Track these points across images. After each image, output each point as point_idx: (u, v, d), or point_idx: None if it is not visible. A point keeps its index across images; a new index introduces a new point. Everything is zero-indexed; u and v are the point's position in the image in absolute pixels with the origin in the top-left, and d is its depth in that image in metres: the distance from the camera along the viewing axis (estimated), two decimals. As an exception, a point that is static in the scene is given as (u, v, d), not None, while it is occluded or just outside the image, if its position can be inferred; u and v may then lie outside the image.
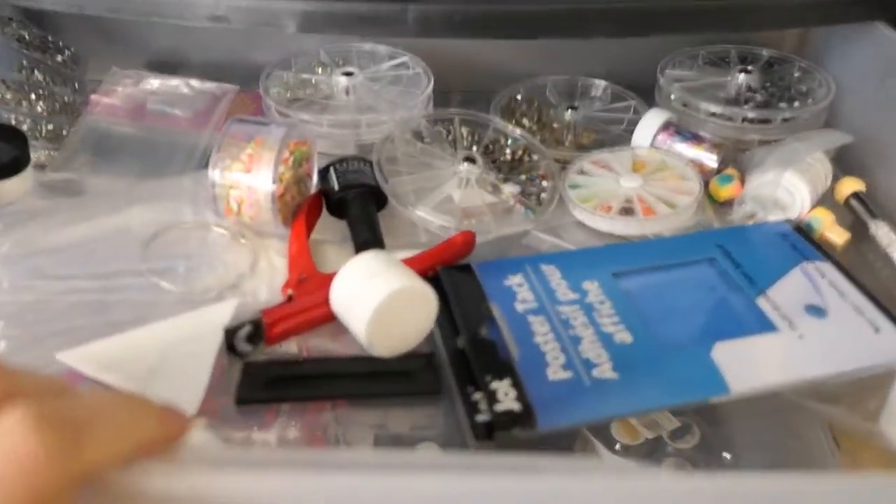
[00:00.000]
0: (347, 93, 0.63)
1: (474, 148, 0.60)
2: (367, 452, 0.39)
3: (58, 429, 0.19)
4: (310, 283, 0.47)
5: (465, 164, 0.57)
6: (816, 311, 0.44)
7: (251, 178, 0.51)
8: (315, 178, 0.57)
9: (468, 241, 0.51)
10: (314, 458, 0.25)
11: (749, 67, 0.66)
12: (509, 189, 0.57)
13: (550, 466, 0.24)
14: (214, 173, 0.51)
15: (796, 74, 0.66)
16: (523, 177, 0.59)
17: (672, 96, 0.65)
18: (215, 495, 0.23)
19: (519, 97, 0.69)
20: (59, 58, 0.66)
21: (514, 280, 0.47)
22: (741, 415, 0.42)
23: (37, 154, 0.59)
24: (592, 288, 0.46)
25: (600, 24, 0.57)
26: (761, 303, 0.45)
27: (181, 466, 0.24)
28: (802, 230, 0.52)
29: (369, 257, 0.44)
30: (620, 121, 0.67)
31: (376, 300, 0.41)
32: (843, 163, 0.60)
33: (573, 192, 0.56)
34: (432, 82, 0.63)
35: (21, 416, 0.19)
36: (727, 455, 0.40)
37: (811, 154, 0.54)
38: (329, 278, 0.45)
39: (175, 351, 0.43)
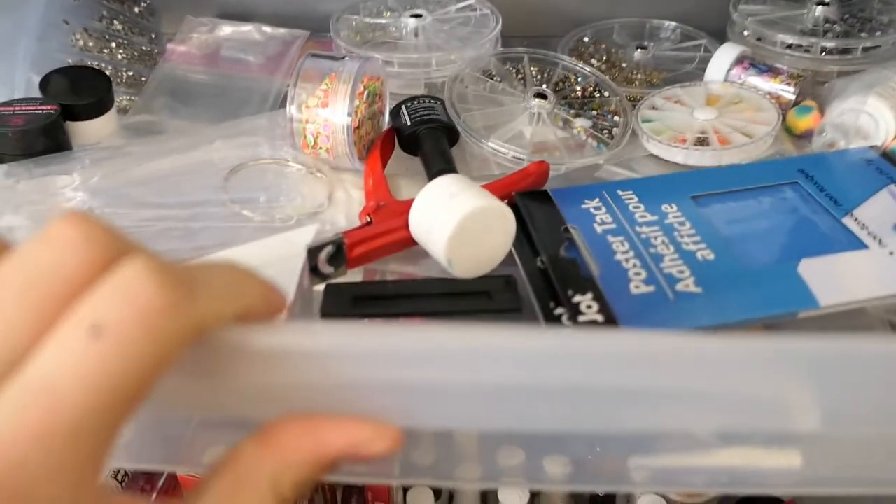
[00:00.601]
0: (416, 34, 0.63)
1: (544, 86, 0.59)
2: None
3: (176, 279, 0.20)
4: (388, 210, 0.48)
5: (536, 99, 0.57)
6: (907, 229, 0.43)
7: (328, 111, 0.52)
8: (387, 116, 0.57)
9: (542, 170, 0.51)
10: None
11: (826, 0, 0.64)
12: (581, 123, 0.57)
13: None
14: (291, 108, 0.52)
15: (877, 5, 0.64)
16: (595, 112, 0.58)
17: (746, 32, 0.63)
18: (310, 351, 0.24)
19: (586, 39, 0.69)
20: (136, 9, 0.68)
21: (592, 204, 0.46)
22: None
23: (118, 99, 0.61)
24: (671, 210, 0.45)
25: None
26: (847, 222, 0.44)
27: (280, 326, 0.25)
28: (889, 156, 0.50)
29: (447, 180, 0.45)
30: (692, 59, 0.65)
31: (456, 218, 0.42)
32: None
33: (646, 125, 0.56)
34: (500, 22, 0.63)
35: (141, 266, 0.19)
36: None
37: (895, 78, 0.53)
38: (406, 205, 0.46)
39: (261, 271, 0.44)
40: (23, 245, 0.20)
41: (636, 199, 0.47)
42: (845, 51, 0.59)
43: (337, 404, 0.25)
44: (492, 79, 0.60)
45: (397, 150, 0.57)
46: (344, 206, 0.51)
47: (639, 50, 0.66)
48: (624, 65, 0.66)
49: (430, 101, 0.57)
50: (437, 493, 0.70)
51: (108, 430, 0.19)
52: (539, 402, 0.26)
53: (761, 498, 0.69)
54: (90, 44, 0.63)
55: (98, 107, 0.56)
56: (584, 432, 0.27)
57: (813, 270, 0.40)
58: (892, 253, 0.42)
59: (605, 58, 0.66)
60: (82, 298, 0.19)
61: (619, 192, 0.47)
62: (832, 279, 0.40)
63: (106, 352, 0.18)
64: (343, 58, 0.54)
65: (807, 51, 0.60)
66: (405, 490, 0.68)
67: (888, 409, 0.26)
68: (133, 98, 0.62)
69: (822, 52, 0.60)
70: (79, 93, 0.55)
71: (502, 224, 0.44)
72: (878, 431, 0.27)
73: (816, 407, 0.26)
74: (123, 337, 0.18)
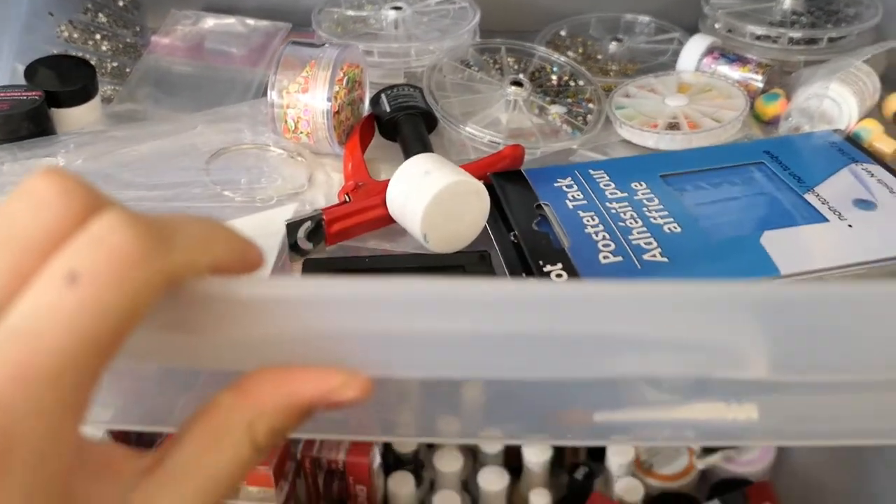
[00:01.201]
0: (396, 26, 0.65)
1: (521, 75, 0.61)
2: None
3: (150, 229, 0.20)
4: (366, 189, 0.49)
5: (512, 87, 0.59)
6: (865, 204, 0.45)
7: (308, 97, 0.53)
8: (367, 104, 0.59)
9: (518, 154, 0.52)
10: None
11: (795, -7, 0.66)
12: (556, 110, 0.58)
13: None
14: (272, 94, 0.53)
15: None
16: (569, 100, 0.60)
17: (717, 24, 0.65)
18: (283, 300, 0.25)
19: (563, 33, 0.70)
20: (121, 2, 0.69)
21: (564, 182, 0.48)
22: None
23: (103, 89, 0.62)
24: (640, 188, 0.47)
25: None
26: (809, 198, 0.46)
27: (253, 277, 0.26)
28: (852, 139, 0.52)
29: (423, 158, 0.46)
30: (665, 51, 0.67)
31: (431, 193, 0.43)
32: (892, 82, 0.60)
33: (619, 112, 0.57)
34: (479, 13, 0.64)
35: (115, 217, 0.20)
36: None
37: (856, 62, 0.54)
38: (384, 185, 0.47)
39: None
40: (1, 202, 0.21)
41: (607, 177, 0.48)
42: (811, 41, 0.61)
43: (310, 354, 0.26)
44: (469, 68, 0.61)
45: (377, 138, 0.58)
46: (324, 187, 0.52)
47: (614, 42, 0.68)
48: (599, 56, 0.67)
49: (409, 90, 0.58)
50: (419, 479, 0.71)
51: (87, 374, 0.19)
52: (505, 349, 0.27)
53: (734, 483, 0.71)
54: (75, 35, 0.64)
55: (82, 94, 0.56)
56: (549, 379, 0.28)
57: (775, 241, 0.42)
58: (851, 226, 0.43)
59: (581, 50, 0.68)
60: (59, 249, 0.20)
61: (591, 172, 0.49)
62: (793, 250, 0.41)
63: (82, 298, 0.19)
64: (323, 45, 0.55)
65: (774, 41, 0.62)
66: (386, 475, 0.69)
67: (834, 355, 0.27)
68: (117, 88, 0.63)
69: (789, 43, 0.62)
70: (63, 80, 0.56)
71: (476, 200, 0.45)
72: (824, 378, 0.28)
73: (765, 352, 0.27)
74: (98, 283, 0.19)
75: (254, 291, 0.25)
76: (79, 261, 0.19)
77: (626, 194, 0.46)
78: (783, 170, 0.48)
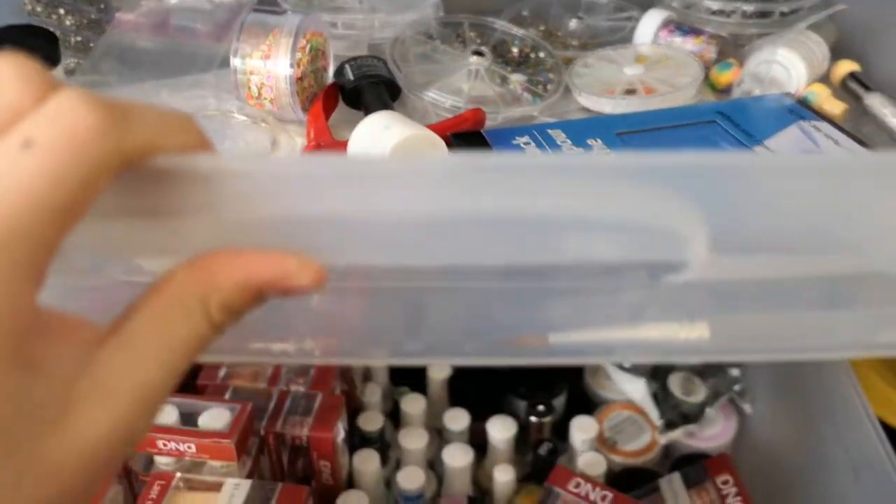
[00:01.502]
0: (360, 0, 0.66)
1: (483, 47, 0.62)
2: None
3: (109, 108, 0.20)
4: (328, 149, 0.50)
5: (474, 57, 0.60)
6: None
7: (270, 63, 0.53)
8: (331, 74, 0.59)
9: (478, 118, 0.53)
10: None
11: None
12: (516, 78, 0.59)
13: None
14: (235, 61, 0.54)
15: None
16: (530, 70, 0.61)
17: (674, 3, 0.67)
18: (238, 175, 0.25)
19: (525, 13, 0.72)
20: (85, -21, 0.69)
21: (521, 140, 0.49)
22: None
23: (66, 62, 0.62)
24: (596, 144, 0.48)
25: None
26: (758, 150, 0.47)
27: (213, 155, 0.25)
28: (802, 103, 0.54)
29: (382, 114, 0.47)
30: (623, 28, 0.69)
31: (390, 145, 0.44)
32: (841, 52, 0.62)
33: (578, 80, 0.59)
34: (442, -13, 0.66)
35: (74, 94, 0.20)
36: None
37: (802, 26, 0.56)
38: (346, 145, 0.48)
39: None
40: None
41: (564, 135, 0.49)
42: (764, 14, 0.63)
43: (265, 239, 0.25)
44: (433, 40, 0.62)
45: (341, 108, 0.58)
46: (287, 151, 0.53)
47: (574, 20, 0.69)
48: (560, 34, 0.69)
49: (372, 60, 0.59)
50: (385, 457, 0.71)
51: (42, 242, 0.19)
52: (453, 234, 0.26)
53: (696, 457, 0.71)
54: (38, 9, 0.64)
55: (43, 63, 0.56)
56: (494, 265, 0.28)
57: (725, 189, 0.43)
58: (797, 174, 0.44)
59: (542, 28, 0.69)
60: (17, 122, 0.20)
61: (549, 131, 0.50)
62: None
63: (38, 164, 0.19)
64: (285, 12, 0.56)
65: (728, 16, 0.64)
66: (351, 453, 0.68)
67: (775, 228, 0.26)
68: (80, 62, 0.63)
69: (742, 17, 0.63)
70: (24, 50, 0.56)
71: (435, 153, 0.46)
72: (764, 262, 0.28)
73: (704, 228, 0.26)
74: (53, 151, 0.19)
75: (209, 166, 0.24)
76: (35, 130, 0.19)
77: (581, 150, 0.47)
78: (734, 126, 0.50)
